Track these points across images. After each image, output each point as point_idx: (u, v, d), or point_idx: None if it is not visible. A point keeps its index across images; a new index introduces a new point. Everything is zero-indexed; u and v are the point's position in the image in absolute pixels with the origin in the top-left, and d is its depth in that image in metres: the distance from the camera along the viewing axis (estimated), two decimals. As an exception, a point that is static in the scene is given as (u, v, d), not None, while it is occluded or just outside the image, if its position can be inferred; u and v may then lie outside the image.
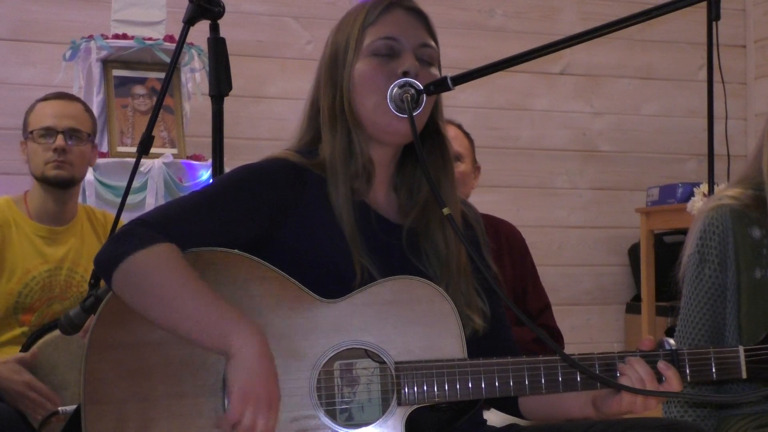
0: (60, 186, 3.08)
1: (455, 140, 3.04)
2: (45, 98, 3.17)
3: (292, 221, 1.83)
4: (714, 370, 1.76)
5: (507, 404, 1.97)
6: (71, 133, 3.09)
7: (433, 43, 1.92)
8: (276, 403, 1.65)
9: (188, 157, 4.09)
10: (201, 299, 1.67)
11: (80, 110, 3.17)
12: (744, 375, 1.77)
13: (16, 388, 2.73)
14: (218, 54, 2.41)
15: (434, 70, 1.90)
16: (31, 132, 3.08)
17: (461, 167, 3.08)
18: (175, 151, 4.06)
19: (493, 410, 2.10)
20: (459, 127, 3.18)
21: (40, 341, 2.84)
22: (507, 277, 3.05)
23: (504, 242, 3.11)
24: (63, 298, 3.05)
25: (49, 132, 3.07)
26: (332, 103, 1.89)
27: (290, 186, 1.84)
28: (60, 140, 3.05)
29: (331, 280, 1.78)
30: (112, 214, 3.30)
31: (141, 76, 4.10)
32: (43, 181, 3.06)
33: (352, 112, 1.87)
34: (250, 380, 1.62)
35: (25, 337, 2.95)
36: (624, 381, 1.71)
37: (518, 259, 3.15)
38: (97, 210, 3.30)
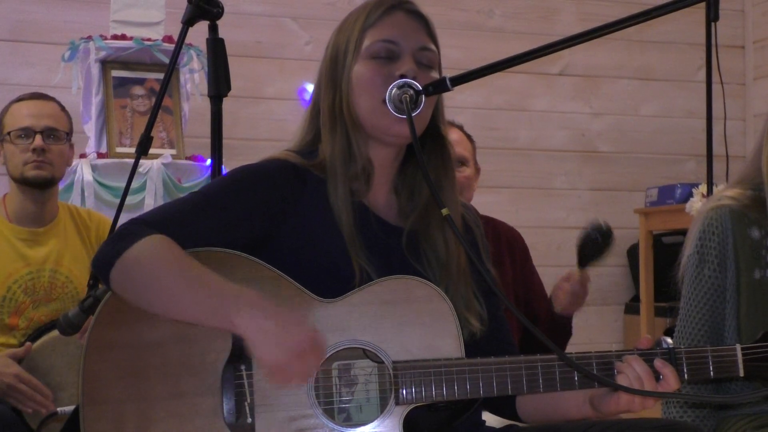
0: (39, 186, 3.05)
1: (459, 144, 3.03)
2: (19, 99, 3.14)
3: (291, 222, 1.83)
4: (711, 369, 1.76)
5: (504, 408, 1.97)
6: (49, 133, 3.06)
7: (433, 47, 1.92)
8: (312, 343, 1.65)
9: (187, 158, 4.09)
10: (198, 282, 1.67)
11: (57, 109, 3.14)
12: (741, 373, 1.77)
13: (6, 381, 2.71)
14: (217, 54, 2.41)
15: (434, 74, 1.90)
16: (8, 133, 3.05)
17: (466, 171, 3.07)
18: (173, 151, 4.06)
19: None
20: (461, 128, 3.16)
21: (38, 342, 2.84)
22: (507, 279, 3.04)
23: (504, 244, 3.10)
24: (48, 300, 3.04)
25: (26, 132, 3.04)
26: (332, 104, 1.89)
27: (290, 186, 1.84)
28: (38, 140, 3.03)
29: (330, 281, 1.78)
30: (98, 213, 3.30)
31: (140, 77, 4.10)
32: (22, 182, 3.04)
33: (351, 114, 1.87)
34: (274, 353, 1.63)
35: (14, 340, 2.95)
36: (622, 379, 1.71)
37: (519, 261, 3.14)
38: (81, 209, 3.27)
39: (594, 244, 2.74)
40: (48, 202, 3.11)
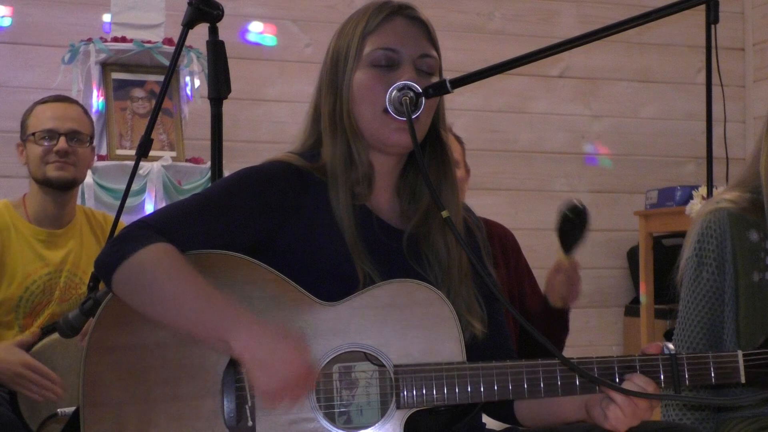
0: (61, 187, 3.07)
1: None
2: (44, 101, 3.17)
3: (293, 224, 1.83)
4: (713, 375, 1.76)
5: (502, 412, 1.97)
6: (73, 135, 3.09)
7: (434, 53, 1.91)
8: (305, 375, 1.66)
9: (187, 160, 4.09)
10: (199, 299, 1.67)
11: (80, 113, 3.18)
12: (743, 380, 1.77)
13: (14, 369, 2.72)
14: (217, 57, 2.41)
15: (434, 80, 1.89)
16: (33, 134, 3.08)
17: (458, 174, 3.06)
18: (173, 153, 4.06)
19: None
20: (450, 130, 3.15)
21: (38, 344, 2.84)
22: (502, 279, 3.04)
23: (497, 244, 3.10)
24: (62, 301, 3.05)
25: (51, 134, 3.07)
26: (332, 110, 1.89)
27: (292, 189, 1.84)
28: (63, 142, 3.06)
29: (332, 284, 1.78)
30: (112, 215, 3.31)
31: (140, 79, 4.10)
32: (44, 182, 3.06)
33: (350, 122, 1.87)
34: (268, 380, 1.64)
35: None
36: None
37: (512, 260, 3.13)
38: (96, 212, 3.30)
39: (573, 226, 2.72)
40: (68, 205, 3.13)
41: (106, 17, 4.25)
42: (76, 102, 3.24)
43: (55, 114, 3.10)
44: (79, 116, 3.16)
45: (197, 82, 4.20)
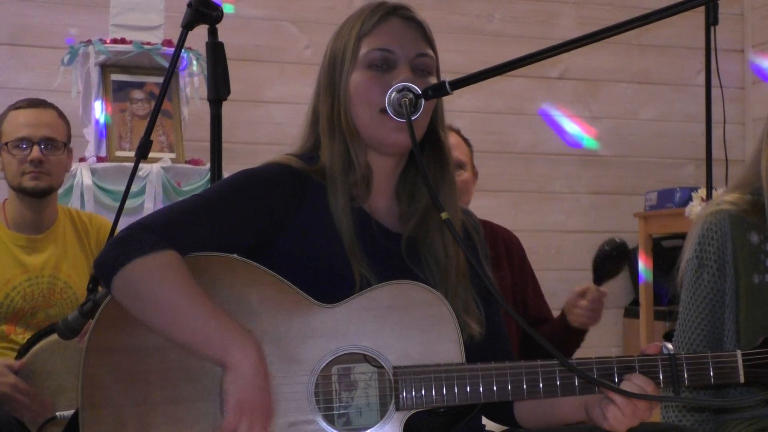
0: (37, 196, 3.05)
1: (457, 148, 3.03)
2: (17, 106, 3.12)
3: (292, 227, 1.83)
4: (712, 375, 1.76)
5: (502, 413, 1.97)
6: (47, 143, 3.05)
7: (430, 52, 1.91)
8: (270, 417, 1.67)
9: (186, 162, 4.09)
10: (201, 310, 1.67)
11: (54, 117, 3.12)
12: (742, 379, 1.77)
13: (1, 390, 2.71)
14: (216, 58, 2.41)
15: (432, 80, 1.90)
16: (6, 143, 3.04)
17: (464, 175, 3.06)
18: (173, 155, 4.06)
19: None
20: (458, 132, 3.16)
21: (36, 346, 2.83)
22: (506, 284, 3.04)
23: (502, 249, 3.10)
24: (47, 306, 3.03)
25: (24, 142, 3.03)
26: (330, 111, 1.89)
27: (291, 192, 1.84)
28: (36, 151, 3.02)
29: (330, 286, 1.78)
30: (99, 216, 3.29)
31: (139, 81, 4.10)
32: (20, 191, 3.04)
33: (348, 123, 1.87)
34: (246, 393, 1.64)
35: (16, 340, 2.94)
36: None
37: (517, 265, 3.14)
38: (82, 212, 3.27)
39: (610, 260, 2.75)
40: (46, 210, 3.10)
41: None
42: (51, 105, 3.18)
43: (29, 121, 3.05)
44: (53, 122, 3.10)
45: (197, 84, 4.20)
